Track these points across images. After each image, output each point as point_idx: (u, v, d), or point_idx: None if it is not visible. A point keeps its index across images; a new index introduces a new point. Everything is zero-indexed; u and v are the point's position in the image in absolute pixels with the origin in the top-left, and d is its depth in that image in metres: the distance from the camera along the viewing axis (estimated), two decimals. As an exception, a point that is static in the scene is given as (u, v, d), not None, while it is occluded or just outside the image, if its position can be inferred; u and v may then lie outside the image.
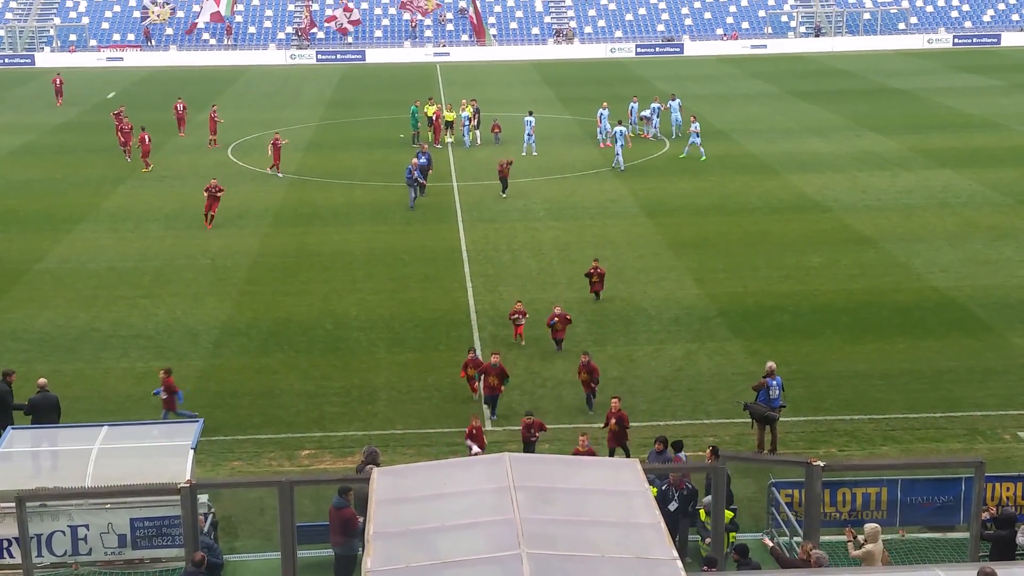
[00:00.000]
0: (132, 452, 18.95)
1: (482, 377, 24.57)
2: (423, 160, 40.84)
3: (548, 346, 27.84)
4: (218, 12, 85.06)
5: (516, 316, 28.10)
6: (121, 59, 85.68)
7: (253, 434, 23.86)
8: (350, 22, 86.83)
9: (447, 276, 33.69)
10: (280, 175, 46.30)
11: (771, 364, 23.23)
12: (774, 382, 22.77)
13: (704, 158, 47.93)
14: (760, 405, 22.59)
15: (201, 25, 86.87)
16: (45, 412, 21.87)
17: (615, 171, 46.29)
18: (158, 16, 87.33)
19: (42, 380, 22.79)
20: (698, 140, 48.12)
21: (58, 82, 68.17)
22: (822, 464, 16.53)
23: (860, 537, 17.30)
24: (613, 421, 22.37)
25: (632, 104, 53.95)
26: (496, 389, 24.23)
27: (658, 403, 25.07)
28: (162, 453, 18.95)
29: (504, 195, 41.94)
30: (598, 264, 31.30)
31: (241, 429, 24.04)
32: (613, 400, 22.65)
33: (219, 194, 38.97)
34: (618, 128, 47.61)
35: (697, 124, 48.71)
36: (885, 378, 26.18)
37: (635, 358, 27.46)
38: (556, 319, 27.55)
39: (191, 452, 18.66)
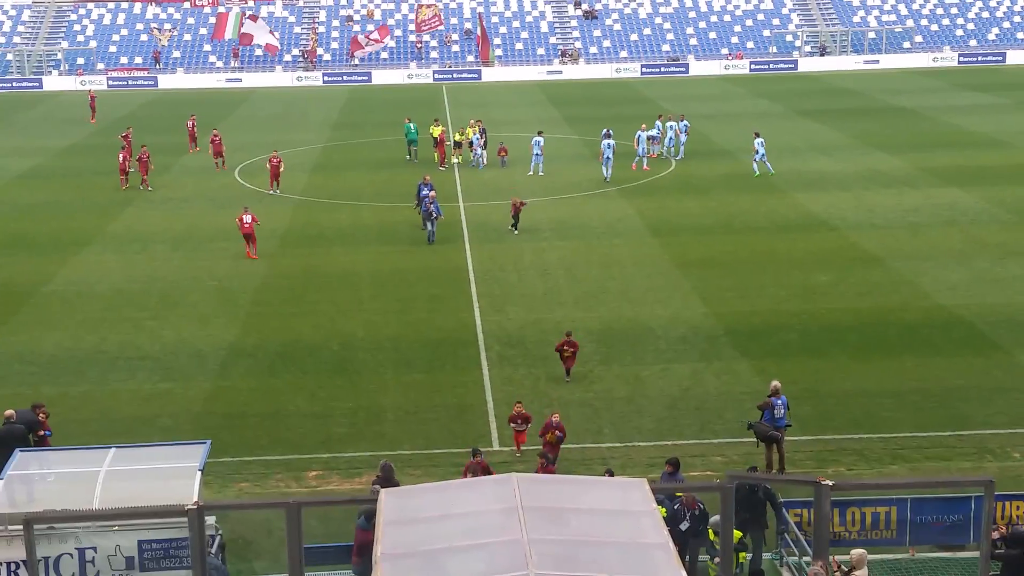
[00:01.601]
0: (139, 474, 18.91)
1: None
2: (426, 190, 40.13)
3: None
4: (273, 45, 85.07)
5: (517, 422, 23.59)
6: (128, 82, 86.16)
7: (260, 455, 23.84)
8: (372, 40, 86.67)
9: (454, 296, 33.71)
10: (271, 192, 46.97)
11: (775, 383, 23.19)
12: (779, 401, 22.72)
13: (773, 173, 48.41)
14: (764, 424, 22.53)
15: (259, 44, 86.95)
16: (11, 444, 21.52)
17: (619, 189, 46.42)
18: (161, 38, 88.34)
19: (9, 412, 22.27)
20: (759, 157, 48.62)
21: (92, 98, 69.14)
22: (831, 483, 16.45)
23: (843, 559, 17.18)
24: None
25: (657, 122, 54.08)
26: None
27: (665, 423, 25.02)
28: (169, 475, 18.91)
29: (515, 231, 40.40)
30: (571, 337, 27.44)
31: (248, 450, 24.02)
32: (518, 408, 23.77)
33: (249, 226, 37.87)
34: (606, 141, 48.17)
35: (760, 140, 49.01)
36: (893, 396, 26.11)
37: (642, 377, 27.42)
38: (550, 432, 22.77)
39: (199, 474, 18.63)
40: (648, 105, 67.91)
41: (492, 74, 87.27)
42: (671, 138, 53.62)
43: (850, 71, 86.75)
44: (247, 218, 38.04)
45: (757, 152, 48.83)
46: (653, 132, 53.67)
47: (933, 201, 43.82)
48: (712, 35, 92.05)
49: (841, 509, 19.13)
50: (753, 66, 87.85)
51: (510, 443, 23.97)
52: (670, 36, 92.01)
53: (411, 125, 54.17)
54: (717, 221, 41.71)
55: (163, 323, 31.79)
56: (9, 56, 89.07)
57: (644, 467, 22.30)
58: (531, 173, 49.91)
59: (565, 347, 27.20)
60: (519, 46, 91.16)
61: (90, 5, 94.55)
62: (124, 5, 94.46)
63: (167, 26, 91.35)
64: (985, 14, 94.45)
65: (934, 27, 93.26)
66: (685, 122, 54.58)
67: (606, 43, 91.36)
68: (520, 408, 23.73)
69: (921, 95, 72.79)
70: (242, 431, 24.96)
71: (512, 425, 23.77)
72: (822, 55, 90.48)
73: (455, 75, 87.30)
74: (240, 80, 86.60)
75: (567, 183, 48.50)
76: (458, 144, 53.55)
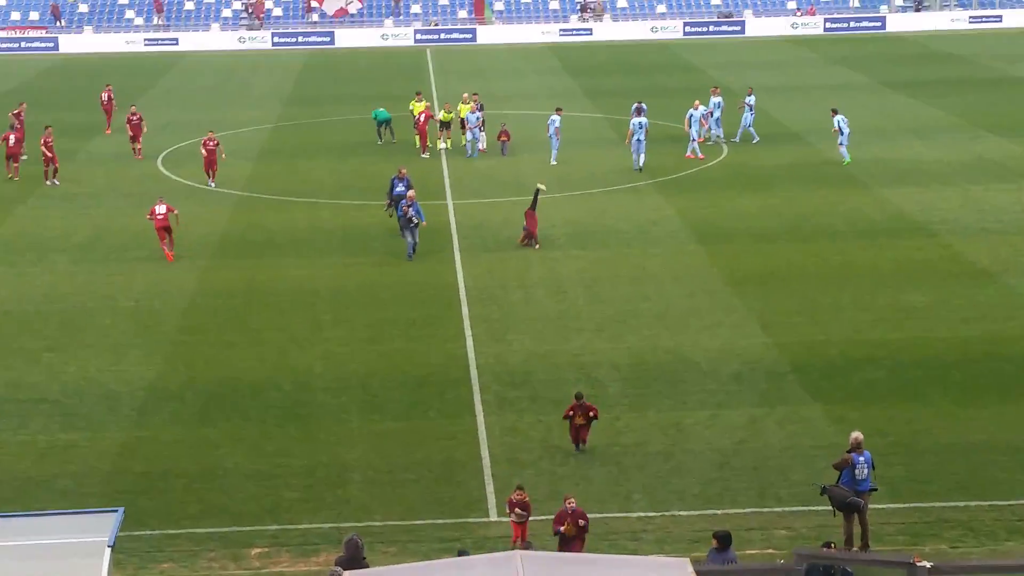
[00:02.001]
0: (32, 551, 18.92)
1: None
2: (401, 188, 39.66)
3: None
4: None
5: (517, 512, 22.41)
6: (20, 44, 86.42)
7: (189, 527, 23.85)
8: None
9: (440, 321, 33.78)
10: (210, 184, 47.42)
11: (857, 435, 23.18)
12: (862, 458, 22.72)
13: (849, 161, 48.96)
14: (843, 488, 22.54)
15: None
16: None
17: (655, 183, 46.55)
18: None
19: None
20: (843, 139, 49.08)
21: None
22: (929, 565, 16.49)
23: None
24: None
25: (713, 98, 53.98)
26: None
27: (714, 485, 25.02)
28: (71, 552, 18.91)
29: (536, 246, 39.77)
30: (583, 400, 26.16)
31: (173, 521, 24.03)
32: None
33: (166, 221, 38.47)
34: (637, 120, 48.43)
35: (841, 117, 49.38)
36: (1010, 452, 26.10)
37: (684, 427, 27.44)
38: (567, 523, 21.65)
39: (108, 551, 18.64)
40: (694, 75, 68.11)
41: (490, 34, 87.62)
42: (717, 118, 53.55)
43: (954, 31, 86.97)
44: (161, 208, 38.32)
45: (841, 132, 48.87)
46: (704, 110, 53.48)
47: (1061, 199, 44.00)
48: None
49: (942, 597, 19.15)
50: (829, 24, 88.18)
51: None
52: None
53: (382, 110, 54.80)
54: (781, 224, 41.82)
55: (64, 356, 31.84)
56: None
57: (687, 543, 22.30)
58: (554, 163, 49.69)
59: (575, 412, 26.03)
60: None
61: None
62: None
63: None
64: None
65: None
66: (751, 97, 54.38)
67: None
68: (522, 495, 22.48)
69: (1046, 62, 73.03)
70: (165, 495, 24.97)
71: (511, 516, 22.56)
72: (918, 10, 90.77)
73: (443, 36, 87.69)
74: (169, 42, 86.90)
75: (587, 175, 48.61)
76: (445, 124, 53.64)
